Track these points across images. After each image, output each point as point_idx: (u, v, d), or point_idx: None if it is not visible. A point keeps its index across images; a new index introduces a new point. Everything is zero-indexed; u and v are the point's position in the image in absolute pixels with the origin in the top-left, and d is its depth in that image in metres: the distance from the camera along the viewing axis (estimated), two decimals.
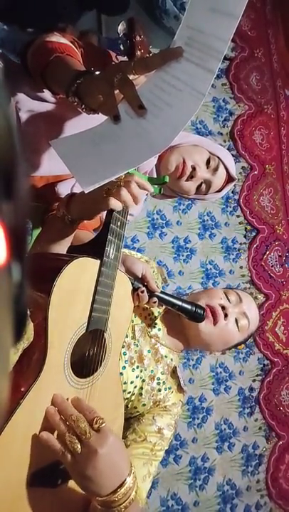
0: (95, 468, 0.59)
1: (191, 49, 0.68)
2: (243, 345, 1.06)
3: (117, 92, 0.68)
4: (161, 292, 0.86)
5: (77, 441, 0.60)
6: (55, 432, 0.63)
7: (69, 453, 0.61)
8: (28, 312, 0.61)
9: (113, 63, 0.91)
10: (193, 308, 0.86)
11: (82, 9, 1.42)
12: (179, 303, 0.86)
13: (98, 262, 0.70)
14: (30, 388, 0.60)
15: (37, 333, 0.62)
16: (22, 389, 0.60)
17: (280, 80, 2.70)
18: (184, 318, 0.89)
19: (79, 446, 0.60)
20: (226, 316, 0.92)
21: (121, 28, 0.79)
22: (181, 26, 0.70)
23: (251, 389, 2.30)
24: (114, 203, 0.69)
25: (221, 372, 2.23)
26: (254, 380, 2.31)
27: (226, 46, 0.66)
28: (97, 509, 0.63)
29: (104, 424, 0.62)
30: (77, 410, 0.64)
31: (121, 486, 0.61)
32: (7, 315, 0.23)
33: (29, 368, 0.63)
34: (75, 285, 0.67)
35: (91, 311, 0.69)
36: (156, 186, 0.79)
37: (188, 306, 0.86)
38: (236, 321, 0.94)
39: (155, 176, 1.09)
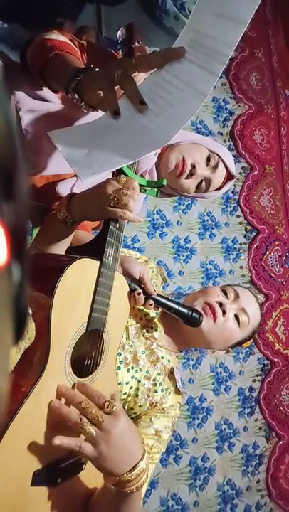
0: (110, 448, 0.62)
1: (194, 51, 0.68)
2: (249, 343, 1.04)
3: (116, 88, 0.68)
4: (158, 295, 0.85)
5: (90, 425, 0.62)
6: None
7: (85, 440, 0.62)
8: (30, 312, 0.61)
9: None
10: (190, 313, 0.85)
11: (83, 2, 1.42)
12: (176, 306, 0.85)
13: (98, 262, 0.70)
14: (33, 388, 0.61)
15: (39, 332, 0.62)
16: (24, 389, 0.61)
17: (280, 80, 2.70)
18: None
19: (93, 430, 0.62)
20: (224, 312, 0.91)
21: (120, 33, 0.80)
22: (185, 29, 0.70)
23: (251, 389, 2.30)
24: (129, 216, 0.70)
25: (221, 372, 2.23)
26: (254, 380, 2.31)
27: (232, 50, 0.65)
28: (111, 489, 0.65)
29: (115, 407, 0.64)
30: (84, 396, 0.65)
31: (135, 466, 0.65)
32: (7, 315, 0.23)
33: (31, 367, 0.63)
34: (76, 285, 0.67)
35: (91, 311, 0.69)
36: (154, 189, 0.79)
37: (185, 310, 0.85)
38: (237, 317, 0.93)
39: (155, 174, 1.09)
